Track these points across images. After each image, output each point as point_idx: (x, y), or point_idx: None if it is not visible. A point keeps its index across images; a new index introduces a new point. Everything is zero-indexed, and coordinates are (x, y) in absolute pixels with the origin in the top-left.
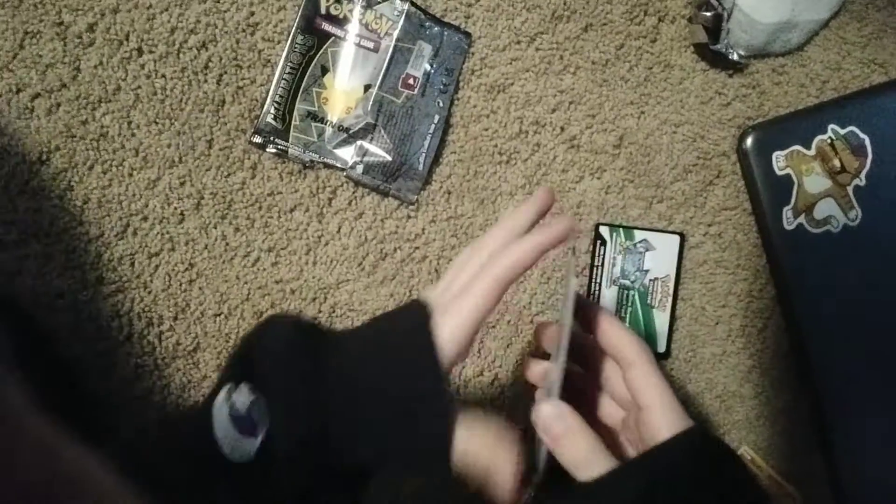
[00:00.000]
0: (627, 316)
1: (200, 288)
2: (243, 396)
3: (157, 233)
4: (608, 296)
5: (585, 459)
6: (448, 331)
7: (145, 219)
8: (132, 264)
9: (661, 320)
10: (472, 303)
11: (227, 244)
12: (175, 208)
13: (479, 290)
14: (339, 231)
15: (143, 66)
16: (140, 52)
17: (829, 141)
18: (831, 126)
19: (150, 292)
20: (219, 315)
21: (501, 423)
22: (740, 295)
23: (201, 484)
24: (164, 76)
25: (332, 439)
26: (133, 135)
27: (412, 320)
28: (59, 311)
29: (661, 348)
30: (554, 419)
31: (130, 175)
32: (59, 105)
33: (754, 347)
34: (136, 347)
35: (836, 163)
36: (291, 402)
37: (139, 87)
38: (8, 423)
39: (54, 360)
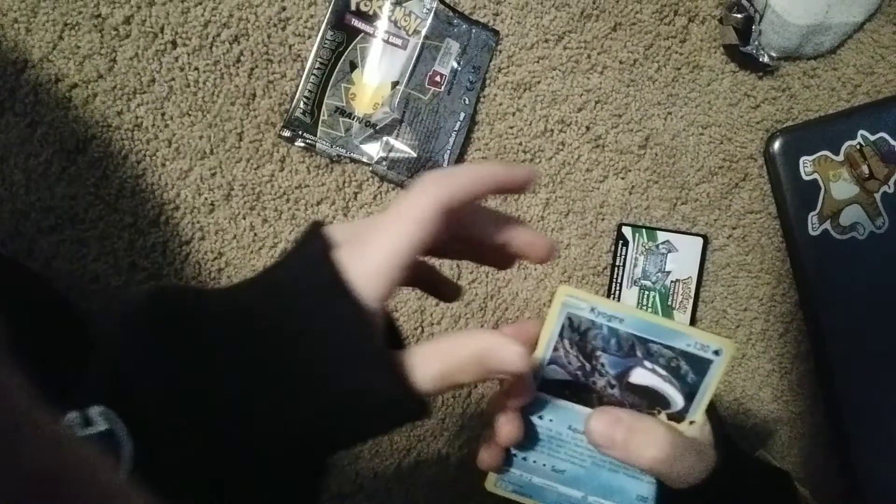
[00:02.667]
0: None
1: (229, 276)
2: (97, 426)
3: (188, 222)
4: (629, 296)
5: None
6: (363, 265)
7: (177, 208)
8: (164, 252)
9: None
10: (402, 227)
11: (256, 235)
12: (206, 199)
13: (412, 210)
14: None
15: (176, 59)
16: (174, 44)
17: (858, 147)
18: (861, 132)
19: (180, 279)
20: None
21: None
22: (762, 299)
23: None
24: (197, 69)
25: (238, 425)
26: (166, 126)
27: (306, 256)
28: (93, 294)
29: None
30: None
31: (163, 165)
32: (95, 95)
33: (774, 351)
34: None
35: (865, 169)
36: (161, 417)
37: (173, 79)
38: (14, 412)
39: (86, 343)
